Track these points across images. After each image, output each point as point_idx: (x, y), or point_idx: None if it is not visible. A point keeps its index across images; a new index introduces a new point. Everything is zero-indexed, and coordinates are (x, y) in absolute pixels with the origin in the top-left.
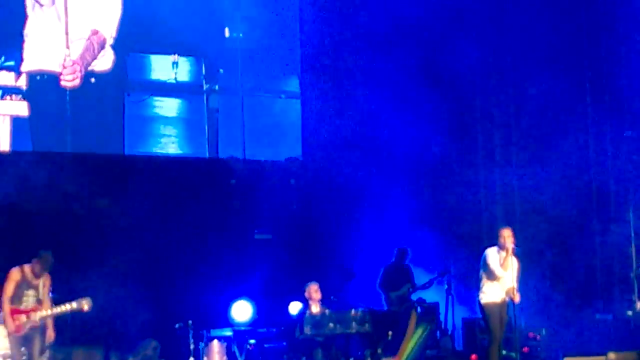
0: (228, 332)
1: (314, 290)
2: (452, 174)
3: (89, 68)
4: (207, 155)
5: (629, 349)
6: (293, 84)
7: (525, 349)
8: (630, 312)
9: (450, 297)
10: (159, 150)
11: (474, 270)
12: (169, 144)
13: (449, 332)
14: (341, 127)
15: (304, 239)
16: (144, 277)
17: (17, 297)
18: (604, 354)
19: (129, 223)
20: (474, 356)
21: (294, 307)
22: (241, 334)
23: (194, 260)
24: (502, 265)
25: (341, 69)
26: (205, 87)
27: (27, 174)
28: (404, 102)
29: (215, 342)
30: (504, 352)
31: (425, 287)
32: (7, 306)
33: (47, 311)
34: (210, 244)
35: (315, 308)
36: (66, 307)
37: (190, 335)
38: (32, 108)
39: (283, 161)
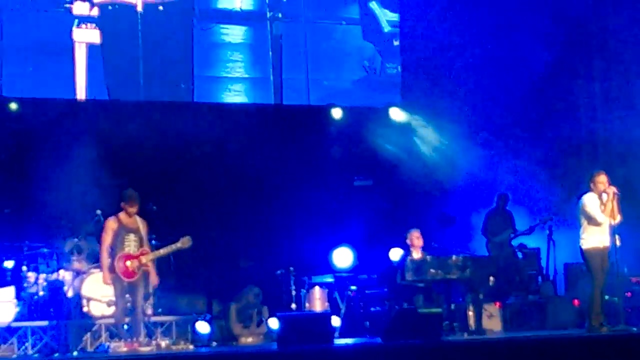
0: (329, 279)
1: (415, 237)
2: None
3: None
4: (271, 79)
5: None
6: (353, 11)
7: (629, 294)
8: None
9: (551, 242)
10: (225, 75)
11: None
12: (235, 69)
13: (551, 278)
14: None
15: (404, 185)
16: (245, 225)
17: (119, 244)
18: None
19: (231, 171)
20: (576, 301)
21: (395, 254)
22: (342, 280)
23: (294, 207)
24: (603, 210)
25: None
26: (269, 14)
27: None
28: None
29: (317, 288)
30: (606, 297)
31: (526, 233)
32: (105, 257)
33: (155, 253)
34: (310, 190)
35: (416, 254)
36: (171, 248)
37: (292, 282)
38: (104, 36)
39: (381, 107)
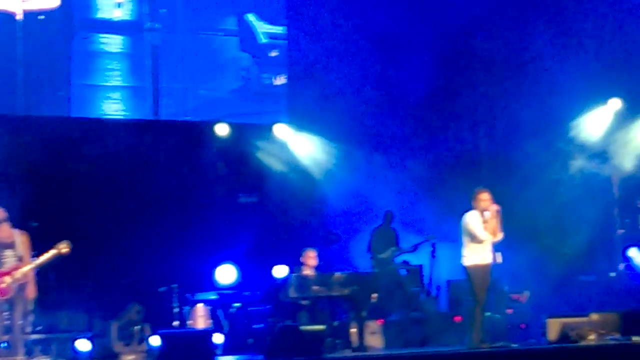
0: (213, 296)
1: (310, 257)
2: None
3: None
4: (149, 87)
5: (611, 309)
6: (231, 23)
7: (509, 311)
8: (613, 274)
9: (434, 259)
10: (104, 83)
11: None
12: (114, 77)
13: (433, 295)
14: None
15: (289, 202)
16: (128, 242)
17: None
18: (587, 315)
19: (113, 188)
20: (458, 317)
21: (279, 271)
22: (226, 298)
23: (178, 224)
24: (485, 228)
25: None
26: (147, 25)
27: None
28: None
29: (200, 305)
30: (487, 313)
31: (410, 250)
32: None
33: (28, 265)
34: (194, 207)
35: (308, 272)
36: (46, 256)
37: (175, 299)
38: None
39: (268, 124)
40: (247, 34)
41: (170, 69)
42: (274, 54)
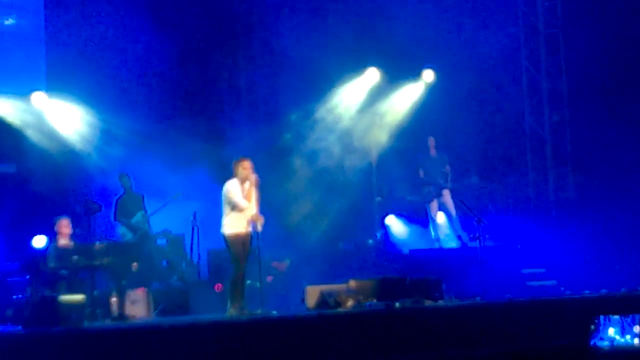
0: None
1: (63, 225)
2: None
3: None
4: None
5: (369, 276)
6: None
7: (269, 278)
8: (371, 241)
9: (195, 228)
10: None
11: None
12: None
13: (195, 263)
14: None
15: (50, 171)
16: None
17: None
18: (346, 281)
19: None
20: (218, 285)
21: (38, 241)
22: None
23: None
24: (245, 196)
25: None
26: None
27: None
28: None
29: None
30: (248, 281)
31: (159, 210)
32: None
33: None
34: None
35: (63, 242)
36: None
37: None
38: None
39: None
40: None
41: None
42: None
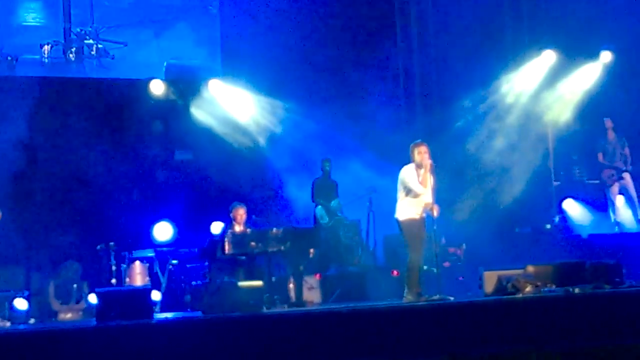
0: (150, 253)
1: (239, 212)
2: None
3: None
4: None
5: (547, 262)
6: None
7: (446, 264)
8: (548, 226)
9: (371, 213)
10: None
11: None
12: None
13: (371, 249)
14: None
15: (226, 157)
16: (65, 199)
17: None
18: (523, 267)
19: (50, 145)
20: (395, 272)
21: (216, 227)
22: (163, 255)
23: (114, 181)
24: (421, 182)
25: None
26: None
27: None
28: None
29: (137, 263)
30: (425, 267)
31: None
32: None
33: None
34: (131, 164)
35: (238, 228)
36: None
37: (112, 257)
38: None
39: (200, 80)
40: None
41: None
42: None
